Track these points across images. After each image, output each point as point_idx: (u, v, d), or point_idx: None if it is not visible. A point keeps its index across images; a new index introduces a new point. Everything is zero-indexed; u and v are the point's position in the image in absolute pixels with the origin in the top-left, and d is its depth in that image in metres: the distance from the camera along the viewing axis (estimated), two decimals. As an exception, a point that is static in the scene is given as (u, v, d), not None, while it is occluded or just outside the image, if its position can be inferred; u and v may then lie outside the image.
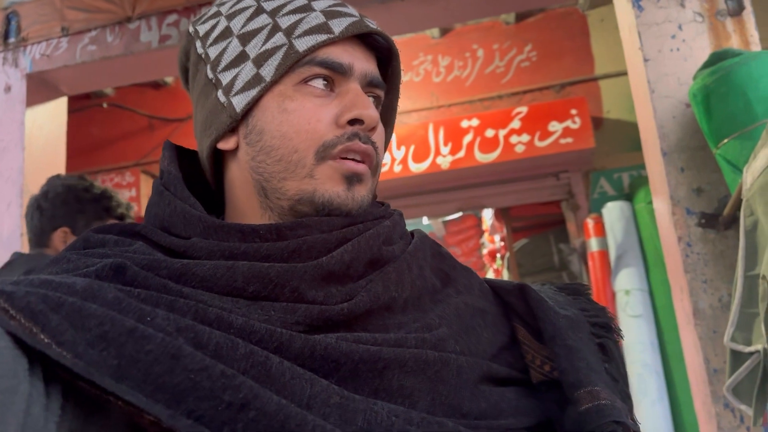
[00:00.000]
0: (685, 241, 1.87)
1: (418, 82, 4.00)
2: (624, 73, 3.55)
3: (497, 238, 4.76)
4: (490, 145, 3.61)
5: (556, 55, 3.88)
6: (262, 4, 0.62)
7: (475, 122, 3.67)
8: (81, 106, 4.27)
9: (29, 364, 0.41)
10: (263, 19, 0.60)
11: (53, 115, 2.74)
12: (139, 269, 0.50)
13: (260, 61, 0.58)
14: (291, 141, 0.57)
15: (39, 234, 1.64)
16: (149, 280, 0.50)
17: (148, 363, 0.42)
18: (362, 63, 0.60)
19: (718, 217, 1.83)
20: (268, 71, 0.58)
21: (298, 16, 0.59)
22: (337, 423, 0.45)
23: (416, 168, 3.67)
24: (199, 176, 0.66)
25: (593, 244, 3.44)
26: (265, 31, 0.59)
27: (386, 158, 2.82)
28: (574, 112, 3.55)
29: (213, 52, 0.61)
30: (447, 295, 0.60)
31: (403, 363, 0.50)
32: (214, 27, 0.63)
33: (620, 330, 0.62)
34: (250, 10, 0.61)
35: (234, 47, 0.60)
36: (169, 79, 4.31)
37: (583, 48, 3.86)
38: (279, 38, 0.58)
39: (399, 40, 3.52)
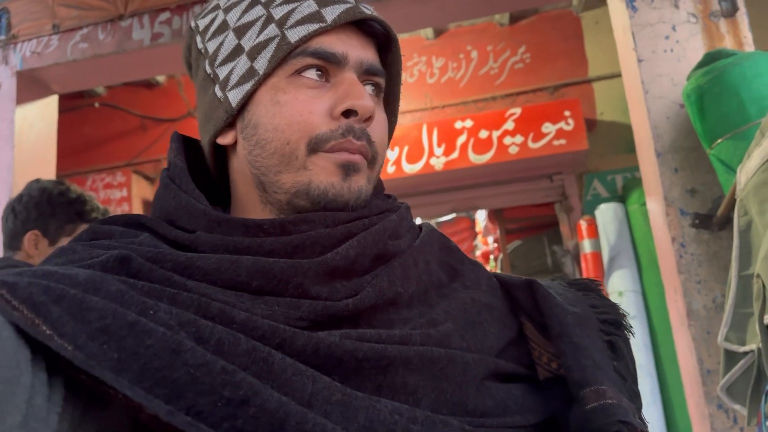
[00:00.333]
0: (679, 241, 1.87)
1: (412, 83, 3.99)
2: (617, 75, 3.57)
3: (491, 239, 4.76)
4: (483, 146, 3.61)
5: (549, 57, 3.89)
6: None
7: (468, 123, 3.67)
8: (72, 106, 4.24)
9: (32, 355, 0.41)
10: (258, 11, 0.59)
11: (44, 113, 2.72)
12: (144, 261, 0.50)
13: (254, 54, 0.57)
14: (283, 133, 0.56)
15: (11, 236, 1.64)
16: (154, 272, 0.50)
17: (148, 357, 0.42)
18: (357, 51, 0.59)
19: (711, 218, 1.83)
20: (261, 64, 0.57)
21: (290, 6, 0.58)
22: (339, 421, 0.44)
23: (410, 169, 3.67)
24: (208, 166, 0.66)
25: (586, 246, 3.45)
26: (259, 23, 0.58)
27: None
28: (567, 113, 3.55)
29: (211, 46, 0.61)
30: (453, 290, 0.59)
31: (408, 360, 0.49)
32: (212, 21, 0.62)
33: (631, 327, 0.61)
34: (246, 2, 0.61)
35: (230, 41, 0.59)
36: (161, 79, 4.29)
37: (577, 50, 3.86)
38: (271, 30, 0.57)
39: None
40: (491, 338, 0.56)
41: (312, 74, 0.57)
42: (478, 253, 5.19)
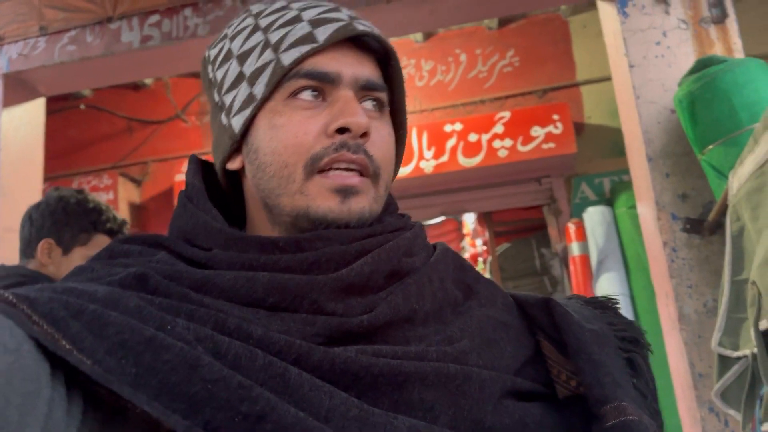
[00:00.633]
0: (671, 246, 1.88)
1: (401, 86, 3.99)
2: (605, 79, 3.59)
3: (479, 242, 4.77)
4: (473, 149, 3.62)
5: (538, 61, 3.91)
6: (259, 21, 0.62)
7: (458, 126, 3.67)
8: (59, 108, 4.18)
9: (51, 369, 0.42)
10: (257, 37, 0.60)
11: (31, 116, 2.68)
12: (161, 278, 0.51)
13: (253, 79, 0.59)
14: (281, 156, 0.57)
15: (26, 244, 1.63)
16: (171, 290, 0.50)
17: (166, 372, 0.42)
18: (353, 68, 0.59)
19: (703, 223, 1.84)
20: (259, 89, 0.58)
21: (285, 30, 0.59)
22: None
23: (399, 172, 3.66)
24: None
25: (575, 249, 3.46)
26: (258, 49, 0.60)
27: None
28: (556, 117, 3.57)
29: (218, 75, 0.63)
30: (469, 308, 0.59)
31: (424, 376, 0.49)
32: (221, 50, 0.64)
33: (650, 345, 0.61)
34: (248, 30, 0.62)
35: (233, 69, 0.61)
36: (148, 81, 4.25)
37: (565, 54, 3.89)
38: (268, 54, 0.59)
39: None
40: (508, 356, 0.56)
41: (307, 95, 0.58)
42: (465, 255, 5.20)
